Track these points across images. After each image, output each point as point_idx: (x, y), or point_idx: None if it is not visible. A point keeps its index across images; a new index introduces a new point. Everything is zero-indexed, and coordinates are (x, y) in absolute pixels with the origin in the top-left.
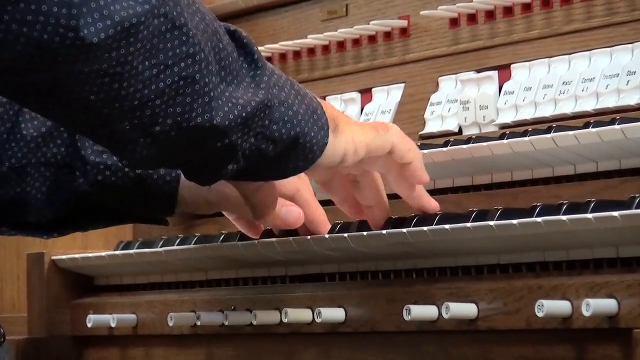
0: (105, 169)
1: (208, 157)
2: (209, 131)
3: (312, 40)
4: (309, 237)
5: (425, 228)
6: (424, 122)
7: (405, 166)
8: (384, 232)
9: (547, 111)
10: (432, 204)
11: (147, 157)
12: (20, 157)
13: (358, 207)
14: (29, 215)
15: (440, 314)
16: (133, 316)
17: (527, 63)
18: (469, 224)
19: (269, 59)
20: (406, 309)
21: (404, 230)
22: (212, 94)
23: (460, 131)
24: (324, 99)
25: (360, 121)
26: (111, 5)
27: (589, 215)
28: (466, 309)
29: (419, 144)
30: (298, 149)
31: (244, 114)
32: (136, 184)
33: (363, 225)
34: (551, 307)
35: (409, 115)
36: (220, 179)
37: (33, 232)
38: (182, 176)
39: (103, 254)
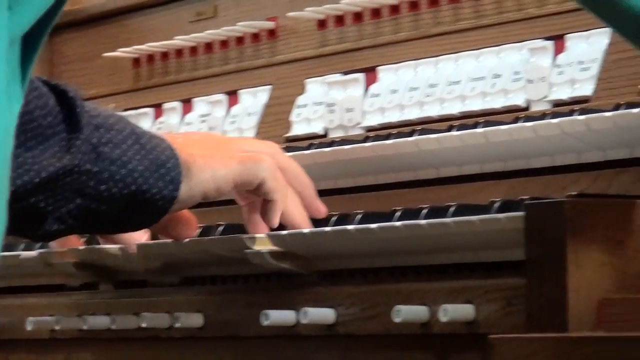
0: None
1: (14, 218)
2: None
3: (179, 41)
4: (169, 241)
5: (284, 232)
6: (290, 125)
7: (266, 201)
8: (244, 236)
9: (413, 114)
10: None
11: None
12: None
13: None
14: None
15: (298, 319)
16: None
17: (393, 65)
18: (327, 228)
19: (137, 60)
20: (264, 314)
21: (263, 235)
22: None
23: (326, 134)
24: (190, 101)
25: (240, 142)
26: None
27: (448, 220)
28: (324, 314)
29: (284, 146)
30: (140, 205)
31: (37, 180)
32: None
33: (227, 229)
34: (408, 312)
35: (275, 117)
36: (49, 238)
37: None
38: None
39: None
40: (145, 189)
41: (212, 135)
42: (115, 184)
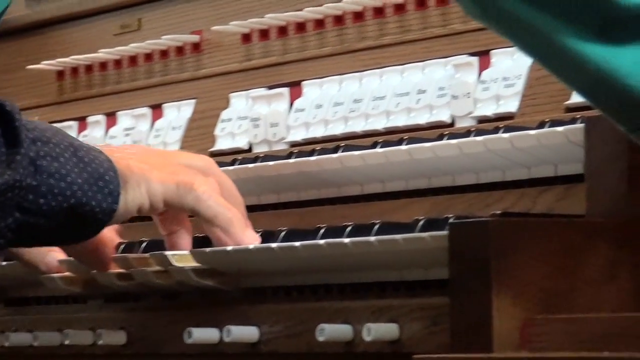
0: None
1: None
2: None
3: (104, 54)
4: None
5: (207, 250)
6: (215, 139)
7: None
8: (167, 253)
9: (337, 129)
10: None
11: None
12: None
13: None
14: None
15: (221, 337)
16: None
17: (318, 80)
18: (251, 246)
19: (61, 73)
20: (187, 332)
21: (186, 252)
22: None
23: (250, 149)
24: (114, 114)
25: (178, 155)
26: None
27: (372, 239)
28: (248, 333)
29: None
30: (79, 218)
31: None
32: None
33: (150, 246)
34: (332, 331)
35: (200, 132)
36: None
37: None
38: None
39: None
40: (85, 201)
41: (150, 149)
42: (54, 198)
